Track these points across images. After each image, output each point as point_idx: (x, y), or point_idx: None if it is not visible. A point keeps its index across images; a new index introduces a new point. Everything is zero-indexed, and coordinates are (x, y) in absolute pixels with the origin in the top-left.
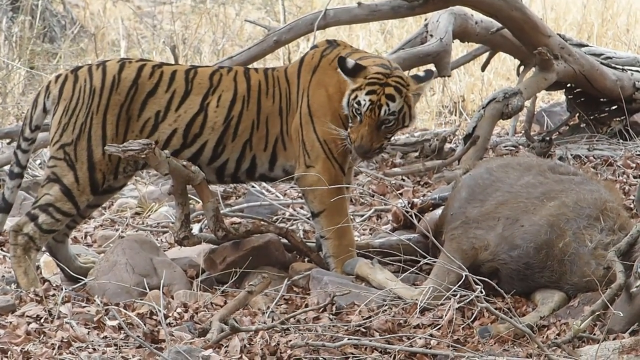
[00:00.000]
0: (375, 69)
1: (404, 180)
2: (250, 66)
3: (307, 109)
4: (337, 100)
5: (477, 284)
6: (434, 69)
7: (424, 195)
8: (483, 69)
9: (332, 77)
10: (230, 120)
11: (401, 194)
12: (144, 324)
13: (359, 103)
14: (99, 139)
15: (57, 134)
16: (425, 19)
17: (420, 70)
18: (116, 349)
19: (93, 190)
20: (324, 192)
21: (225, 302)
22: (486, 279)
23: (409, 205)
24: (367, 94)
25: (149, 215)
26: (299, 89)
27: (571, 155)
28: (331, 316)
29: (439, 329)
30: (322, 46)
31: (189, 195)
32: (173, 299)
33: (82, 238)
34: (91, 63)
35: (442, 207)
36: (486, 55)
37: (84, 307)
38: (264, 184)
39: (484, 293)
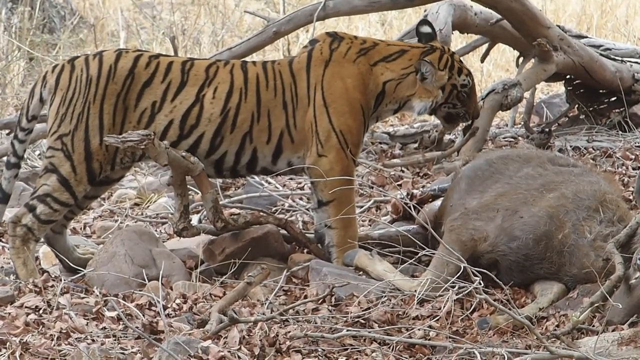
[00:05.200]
0: (434, 55)
1: (403, 171)
2: (248, 58)
3: (322, 100)
4: (359, 91)
5: (475, 275)
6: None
7: (423, 187)
8: (482, 60)
9: (350, 69)
10: (228, 112)
11: (400, 185)
12: (143, 315)
13: (465, 85)
14: (96, 128)
15: (55, 125)
16: (425, 10)
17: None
18: (115, 339)
19: (90, 180)
20: (335, 182)
21: (224, 293)
22: (485, 271)
23: (408, 196)
24: (462, 74)
25: (148, 206)
26: (310, 84)
27: (570, 146)
28: (330, 307)
29: (438, 320)
30: (325, 40)
31: (188, 186)
32: (172, 290)
33: (81, 229)
34: (88, 53)
35: (442, 198)
36: (485, 46)
37: (83, 298)
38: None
39: (482, 284)
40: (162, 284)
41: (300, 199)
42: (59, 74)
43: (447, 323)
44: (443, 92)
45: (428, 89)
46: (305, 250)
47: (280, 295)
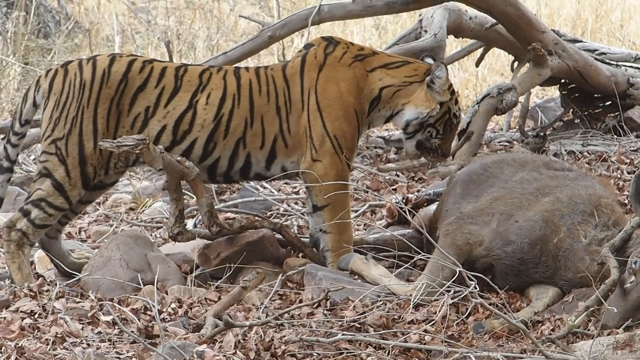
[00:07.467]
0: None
1: (398, 175)
2: (243, 63)
3: (316, 105)
4: (353, 95)
5: (471, 279)
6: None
7: (418, 191)
8: (477, 64)
9: (344, 73)
10: (221, 118)
11: (395, 189)
12: (138, 319)
13: (456, 116)
14: (90, 133)
15: (49, 129)
16: (420, 15)
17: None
18: (110, 344)
19: (84, 185)
20: (329, 187)
21: (220, 298)
22: (480, 275)
23: (404, 200)
24: (457, 105)
25: (143, 211)
26: (304, 88)
27: (565, 150)
28: (325, 312)
29: (433, 324)
30: (320, 44)
31: (183, 190)
32: (167, 294)
33: (76, 233)
34: (82, 58)
35: (437, 202)
36: (480, 50)
37: (78, 302)
38: None
39: (478, 289)
40: (157, 288)
41: (296, 203)
42: (53, 78)
43: (443, 327)
44: (440, 108)
45: (428, 98)
46: (300, 255)
47: (276, 300)
